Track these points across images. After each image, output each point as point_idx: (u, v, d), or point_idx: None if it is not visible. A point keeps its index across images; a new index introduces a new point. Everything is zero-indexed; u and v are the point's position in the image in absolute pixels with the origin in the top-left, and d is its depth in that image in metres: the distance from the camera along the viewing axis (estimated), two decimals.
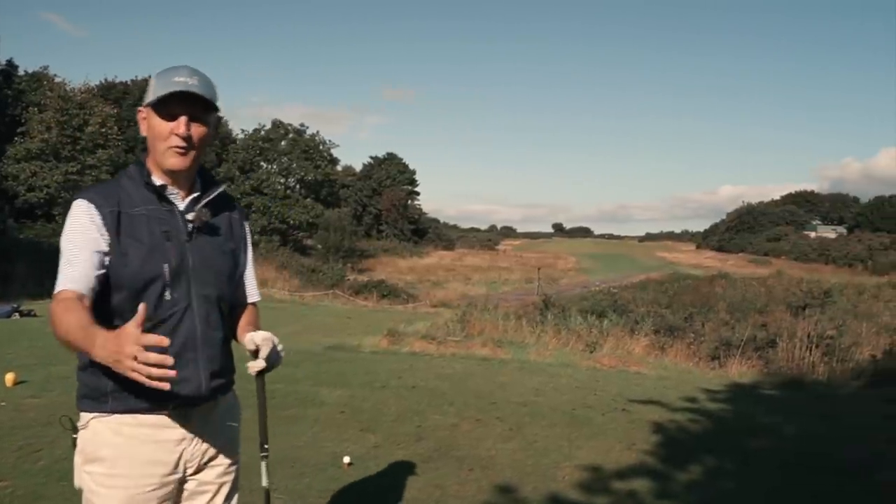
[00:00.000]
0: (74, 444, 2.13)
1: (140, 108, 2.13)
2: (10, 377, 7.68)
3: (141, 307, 1.77)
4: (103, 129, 36.58)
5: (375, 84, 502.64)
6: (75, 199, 2.05)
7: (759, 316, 25.40)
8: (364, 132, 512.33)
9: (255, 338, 2.19)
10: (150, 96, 2.07)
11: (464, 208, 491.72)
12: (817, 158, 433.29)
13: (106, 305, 2.03)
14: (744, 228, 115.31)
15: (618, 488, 4.92)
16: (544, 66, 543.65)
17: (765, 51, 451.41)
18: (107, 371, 1.86)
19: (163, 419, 2.11)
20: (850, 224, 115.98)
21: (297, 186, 62.12)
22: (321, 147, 63.00)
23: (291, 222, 57.92)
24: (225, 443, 2.32)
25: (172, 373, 1.69)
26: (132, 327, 1.71)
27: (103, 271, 2.01)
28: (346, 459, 5.19)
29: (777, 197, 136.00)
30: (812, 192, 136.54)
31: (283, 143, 61.84)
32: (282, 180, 61.05)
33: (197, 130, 2.09)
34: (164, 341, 1.71)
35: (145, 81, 49.50)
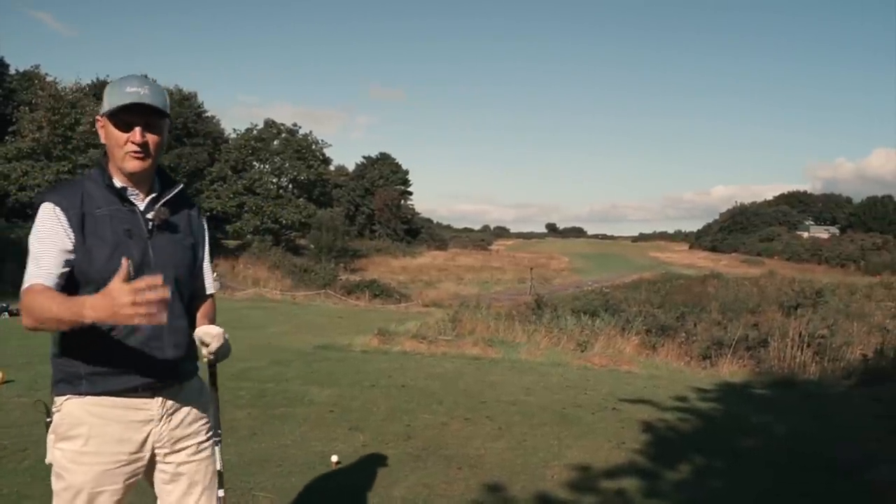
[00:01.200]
0: (48, 427, 2.26)
1: (98, 118, 2.29)
2: None
3: (123, 261, 1.94)
4: (95, 129, 36.42)
5: (366, 84, 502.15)
6: (41, 201, 2.17)
7: (751, 315, 25.47)
8: (356, 132, 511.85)
9: (209, 330, 2.39)
10: (106, 106, 2.22)
11: (457, 208, 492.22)
12: (810, 159, 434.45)
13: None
14: (737, 229, 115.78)
15: (607, 487, 4.89)
16: (536, 66, 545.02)
17: (758, 51, 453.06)
18: (81, 356, 2.16)
19: (132, 401, 2.26)
20: (842, 224, 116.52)
21: (290, 186, 62.16)
22: (314, 147, 63.06)
23: (284, 222, 57.92)
24: (192, 425, 2.42)
25: (167, 294, 1.88)
26: (118, 282, 1.88)
27: (68, 269, 2.15)
28: (335, 458, 5.17)
29: (770, 197, 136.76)
30: (805, 193, 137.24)
31: (275, 142, 61.86)
32: (274, 180, 61.09)
33: (151, 137, 2.24)
34: (158, 279, 1.88)
35: None
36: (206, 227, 2.58)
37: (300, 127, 63.73)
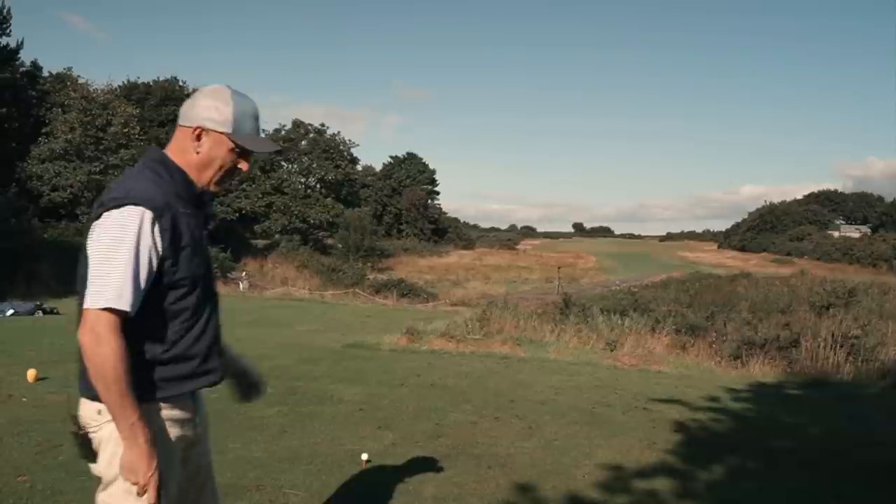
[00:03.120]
0: (87, 440, 2.17)
1: (215, 130, 2.20)
2: (31, 373, 7.76)
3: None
4: (126, 130, 36.92)
5: (393, 84, 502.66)
6: (133, 204, 2.04)
7: (782, 315, 25.14)
8: (383, 132, 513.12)
9: None
10: (232, 126, 2.20)
11: (483, 208, 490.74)
12: (840, 157, 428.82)
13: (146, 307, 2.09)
14: (766, 228, 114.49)
15: (638, 487, 4.85)
16: (564, 66, 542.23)
17: (788, 49, 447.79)
18: (148, 369, 2.11)
19: (187, 402, 2.27)
20: (874, 223, 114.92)
21: (318, 186, 62.37)
22: (341, 147, 63.26)
23: (312, 221, 58.16)
24: (205, 424, 2.46)
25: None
26: (156, 476, 2.03)
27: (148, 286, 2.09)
28: (364, 457, 5.16)
29: (800, 196, 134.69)
30: (835, 192, 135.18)
31: (303, 142, 62.15)
32: (302, 180, 61.37)
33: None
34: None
35: (167, 82, 50.03)
36: None
37: (328, 127, 64.10)
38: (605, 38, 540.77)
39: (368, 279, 45.17)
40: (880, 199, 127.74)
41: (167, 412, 2.19)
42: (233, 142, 2.20)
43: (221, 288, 29.08)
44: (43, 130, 35.35)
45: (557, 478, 4.98)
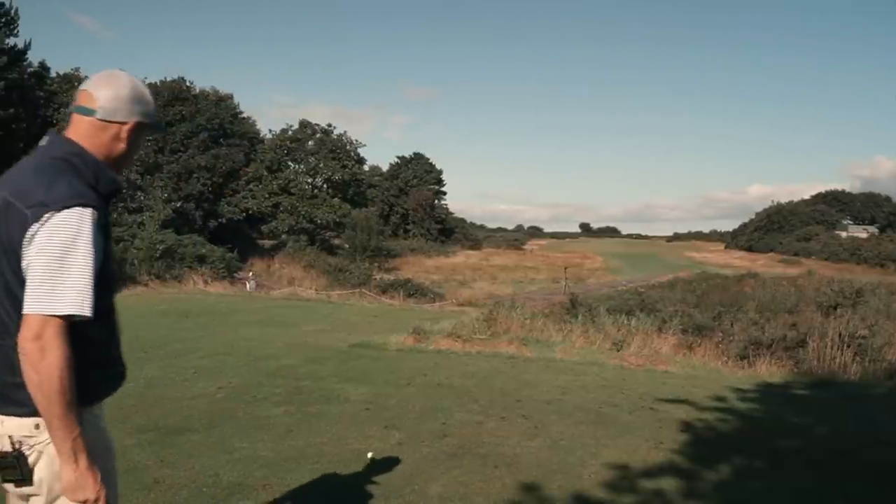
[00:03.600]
0: (20, 459, 2.01)
1: (136, 120, 2.17)
2: None
3: None
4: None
5: (400, 84, 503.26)
6: (79, 205, 1.95)
7: (789, 316, 25.12)
8: (390, 132, 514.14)
9: None
10: (144, 115, 2.19)
11: (490, 208, 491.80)
12: (848, 157, 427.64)
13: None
14: (773, 228, 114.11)
15: (645, 487, 4.85)
16: (571, 65, 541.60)
17: (794, 48, 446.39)
18: (80, 374, 1.93)
19: (101, 408, 2.20)
20: (881, 224, 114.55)
21: (325, 186, 62.41)
22: (348, 147, 63.29)
23: (319, 222, 58.22)
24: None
25: None
26: (102, 492, 1.95)
27: None
28: (370, 455, 5.17)
29: (807, 196, 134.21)
30: (843, 192, 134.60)
31: (310, 142, 62.17)
32: (309, 180, 61.41)
33: None
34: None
35: (174, 82, 50.11)
36: None
37: (335, 127, 64.08)
38: (613, 38, 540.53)
39: (375, 279, 45.15)
40: (888, 199, 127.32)
41: (93, 420, 2.10)
42: (148, 130, 2.22)
43: (229, 288, 29.18)
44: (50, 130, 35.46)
45: (564, 477, 4.98)
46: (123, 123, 2.14)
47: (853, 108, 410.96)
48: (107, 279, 2.05)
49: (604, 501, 4.59)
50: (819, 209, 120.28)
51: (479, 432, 6.19)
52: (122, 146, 2.16)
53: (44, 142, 2.14)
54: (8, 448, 1.97)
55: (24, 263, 1.92)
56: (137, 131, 2.18)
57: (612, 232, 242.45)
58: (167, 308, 17.90)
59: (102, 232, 2.01)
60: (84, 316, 1.90)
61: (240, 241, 45.41)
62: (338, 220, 59.77)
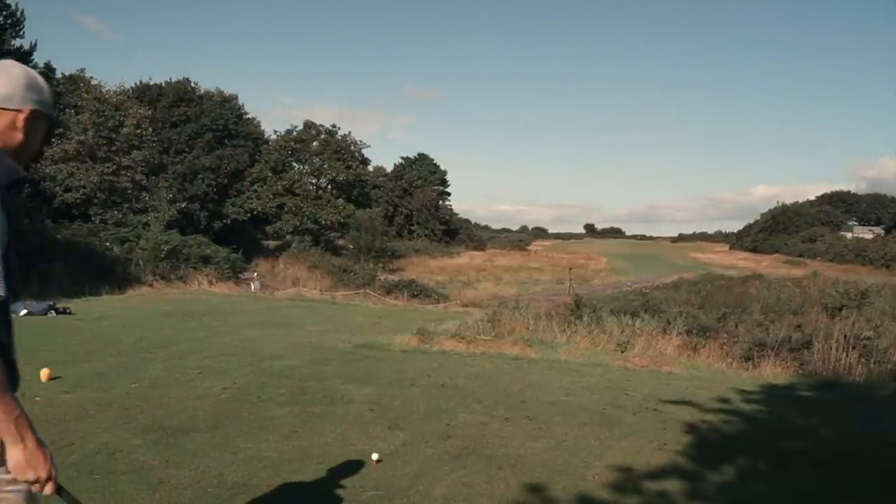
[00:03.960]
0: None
1: (35, 109, 2.13)
2: (44, 373, 7.84)
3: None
4: (138, 131, 37.14)
5: (404, 84, 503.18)
6: None
7: (794, 317, 25.02)
8: (394, 132, 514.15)
9: None
10: (40, 103, 2.14)
11: (494, 209, 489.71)
12: (854, 158, 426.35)
13: None
14: (778, 229, 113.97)
15: (649, 489, 4.84)
16: (575, 66, 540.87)
17: (800, 47, 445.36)
18: None
19: None
20: (887, 225, 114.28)
21: (329, 187, 62.38)
22: (352, 147, 63.24)
23: (323, 222, 58.22)
24: None
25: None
26: (51, 470, 1.91)
27: None
28: (375, 456, 5.18)
29: (812, 197, 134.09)
30: (848, 193, 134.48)
31: (314, 143, 62.14)
32: (314, 181, 61.38)
33: None
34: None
35: (179, 83, 50.20)
36: None
37: (339, 128, 64.04)
38: (618, 37, 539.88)
39: (379, 280, 45.15)
40: (893, 200, 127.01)
41: None
42: (48, 123, 2.19)
43: (234, 288, 29.22)
44: (56, 132, 35.54)
45: (568, 478, 4.98)
46: (19, 111, 2.09)
47: (859, 108, 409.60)
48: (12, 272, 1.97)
49: (608, 502, 4.59)
50: (824, 210, 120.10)
51: (483, 433, 6.19)
52: (19, 136, 2.10)
53: None
54: None
55: None
56: (34, 121, 2.13)
57: (616, 233, 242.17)
58: (172, 308, 17.95)
59: (7, 217, 1.94)
60: (1, 296, 1.87)
61: (244, 242, 45.49)
62: (342, 220, 59.76)
